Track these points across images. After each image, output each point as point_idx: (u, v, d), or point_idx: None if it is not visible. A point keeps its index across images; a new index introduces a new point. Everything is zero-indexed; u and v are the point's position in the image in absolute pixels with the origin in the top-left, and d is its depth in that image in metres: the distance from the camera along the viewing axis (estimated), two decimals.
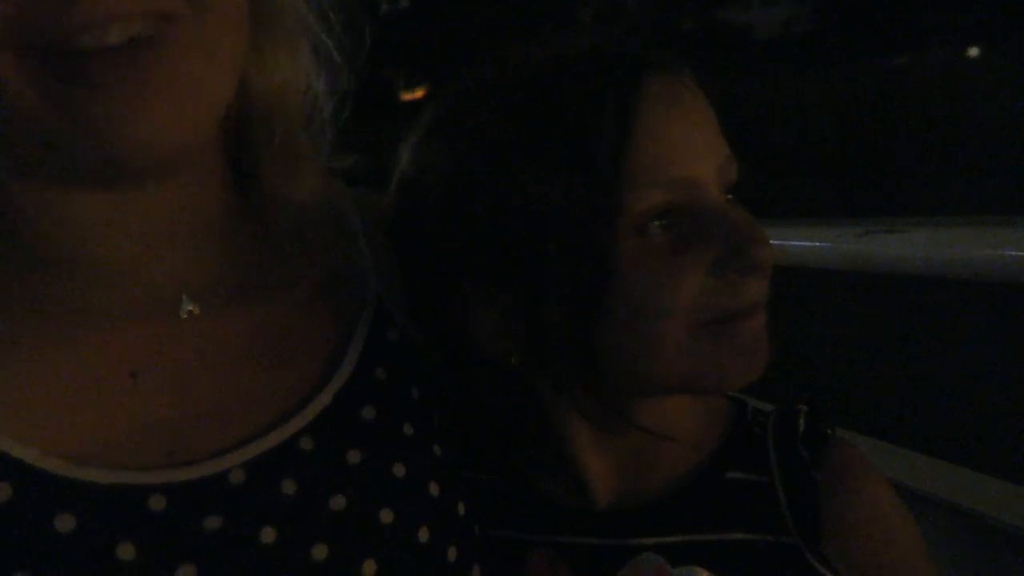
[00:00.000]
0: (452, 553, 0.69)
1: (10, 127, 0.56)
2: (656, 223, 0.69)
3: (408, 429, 0.72)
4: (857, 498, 0.77)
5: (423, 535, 0.67)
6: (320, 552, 0.63)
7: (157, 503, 0.60)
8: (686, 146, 0.70)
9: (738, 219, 0.70)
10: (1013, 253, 1.34)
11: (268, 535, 0.62)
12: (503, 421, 0.81)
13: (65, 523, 0.57)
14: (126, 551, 0.57)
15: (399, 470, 0.69)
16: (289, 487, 0.64)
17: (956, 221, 1.60)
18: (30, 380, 0.62)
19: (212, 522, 0.60)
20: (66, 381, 0.62)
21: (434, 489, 0.71)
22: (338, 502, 0.65)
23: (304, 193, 0.73)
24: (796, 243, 1.72)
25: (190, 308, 0.67)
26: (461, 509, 0.73)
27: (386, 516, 0.66)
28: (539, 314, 0.70)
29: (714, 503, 0.75)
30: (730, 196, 0.73)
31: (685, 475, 0.77)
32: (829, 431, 0.80)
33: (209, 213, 0.69)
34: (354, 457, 0.68)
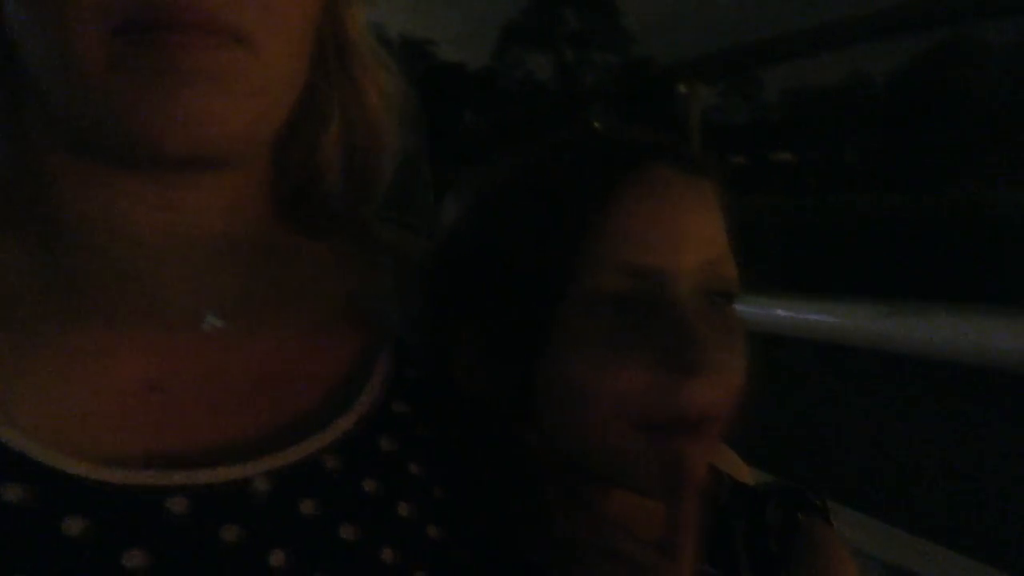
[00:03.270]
0: None
1: (79, 105, 0.57)
2: (609, 307, 0.64)
3: (415, 468, 0.67)
4: None
5: None
6: None
7: (176, 505, 0.56)
8: (659, 236, 0.65)
9: (690, 318, 0.63)
10: None
11: (277, 559, 0.57)
12: (495, 473, 0.75)
13: (73, 526, 0.53)
14: (135, 558, 0.53)
15: (403, 509, 0.64)
16: (307, 507, 0.60)
17: (981, 308, 1.50)
18: (54, 384, 0.58)
19: (229, 533, 0.56)
20: (90, 387, 0.59)
21: (433, 532, 0.66)
22: (348, 531, 0.61)
23: (369, 223, 0.74)
24: (820, 317, 1.64)
25: (215, 322, 0.64)
26: (459, 555, 0.68)
27: (387, 555, 0.62)
28: (492, 364, 0.68)
29: None
30: (719, 298, 0.67)
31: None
32: (802, 517, 0.74)
33: (245, 231, 0.67)
34: (370, 487, 0.63)
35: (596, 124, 0.79)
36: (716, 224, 0.68)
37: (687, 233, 0.66)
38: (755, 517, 0.75)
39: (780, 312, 1.71)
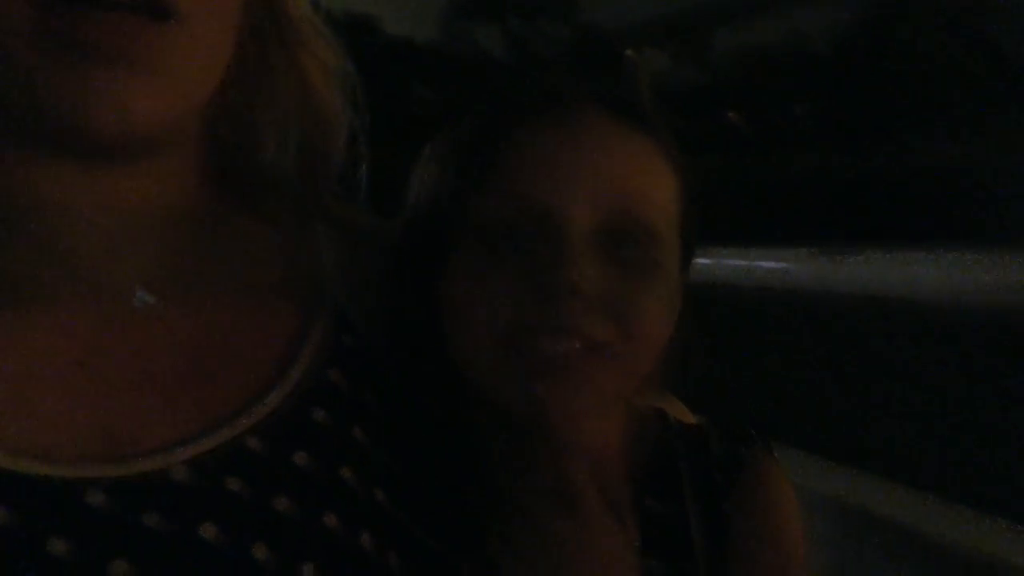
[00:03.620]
0: (394, 559, 0.65)
1: (2, 83, 0.55)
2: (499, 234, 0.67)
3: (358, 433, 0.68)
4: (763, 523, 0.74)
5: (366, 541, 0.63)
6: (260, 552, 0.58)
7: (95, 498, 0.56)
8: (555, 172, 0.67)
9: (564, 243, 0.65)
10: (960, 276, 1.30)
11: (208, 531, 0.58)
12: (443, 429, 0.76)
13: None
14: (58, 546, 0.53)
15: (346, 474, 0.65)
16: (234, 484, 0.60)
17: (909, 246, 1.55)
18: None
19: (151, 518, 0.56)
20: (11, 367, 0.58)
21: (379, 495, 0.66)
22: (282, 503, 0.61)
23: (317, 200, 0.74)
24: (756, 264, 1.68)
25: (146, 298, 0.63)
26: (407, 517, 0.68)
27: (330, 520, 0.62)
28: (406, 291, 0.72)
29: (631, 531, 0.71)
30: (627, 243, 0.68)
31: (608, 499, 0.73)
32: (745, 451, 0.76)
33: (176, 208, 0.67)
34: (301, 459, 0.64)
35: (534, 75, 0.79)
36: (632, 166, 0.69)
37: (585, 170, 0.67)
38: (699, 452, 0.77)
39: (732, 261, 1.76)
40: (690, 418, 0.97)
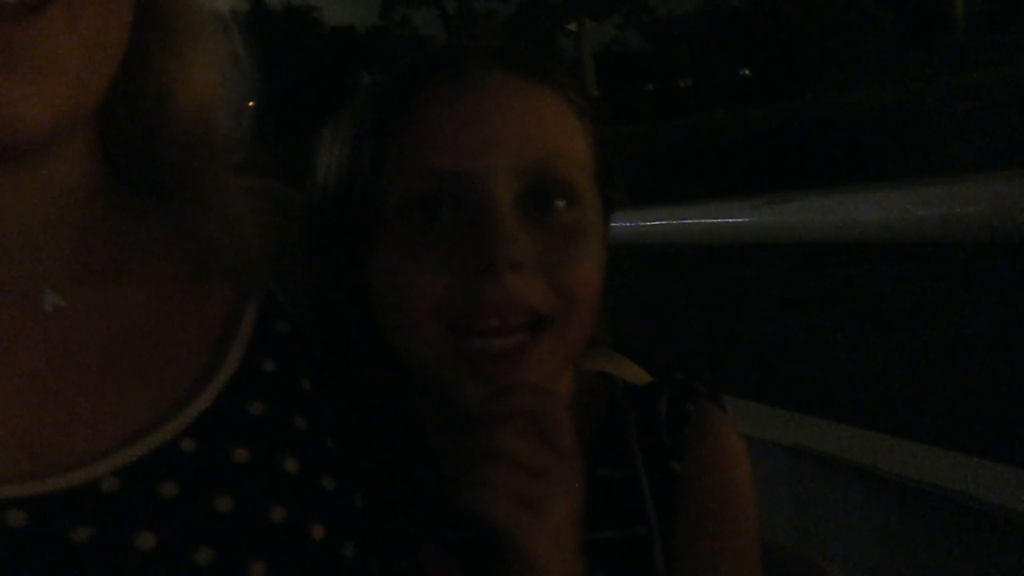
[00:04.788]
0: (349, 549, 0.61)
1: None
2: (419, 210, 0.62)
3: (300, 422, 0.63)
4: (712, 478, 0.70)
5: (317, 532, 0.59)
6: (204, 556, 0.54)
7: (16, 518, 0.50)
8: (465, 137, 0.61)
9: (491, 216, 0.60)
10: (906, 213, 1.27)
11: (146, 541, 0.53)
12: (383, 411, 0.73)
13: None
14: None
15: (291, 465, 0.60)
16: (169, 490, 0.55)
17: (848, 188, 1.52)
18: None
19: (80, 533, 0.51)
20: None
21: (328, 483, 0.62)
22: (224, 503, 0.56)
23: (218, 194, 0.67)
24: (695, 221, 1.64)
25: (55, 300, 0.58)
26: (358, 502, 0.64)
27: (277, 514, 0.58)
28: (332, 280, 0.67)
29: (586, 503, 0.64)
30: (552, 200, 0.63)
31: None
32: (692, 407, 0.72)
33: (77, 202, 0.61)
34: (241, 456, 0.59)
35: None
36: (546, 123, 0.64)
37: (499, 134, 0.62)
38: (646, 413, 0.73)
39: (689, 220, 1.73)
40: (644, 377, 0.93)
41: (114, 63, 0.58)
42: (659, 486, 0.70)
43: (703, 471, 0.70)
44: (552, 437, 0.58)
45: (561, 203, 0.63)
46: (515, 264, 0.59)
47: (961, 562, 1.25)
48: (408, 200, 0.62)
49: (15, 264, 0.58)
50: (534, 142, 0.63)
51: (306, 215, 0.71)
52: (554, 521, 0.57)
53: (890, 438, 1.47)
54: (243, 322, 0.66)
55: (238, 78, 0.70)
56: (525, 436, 0.58)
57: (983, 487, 1.24)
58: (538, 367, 0.62)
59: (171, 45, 0.65)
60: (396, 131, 0.62)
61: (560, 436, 0.59)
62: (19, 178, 0.57)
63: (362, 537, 0.64)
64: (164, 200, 0.67)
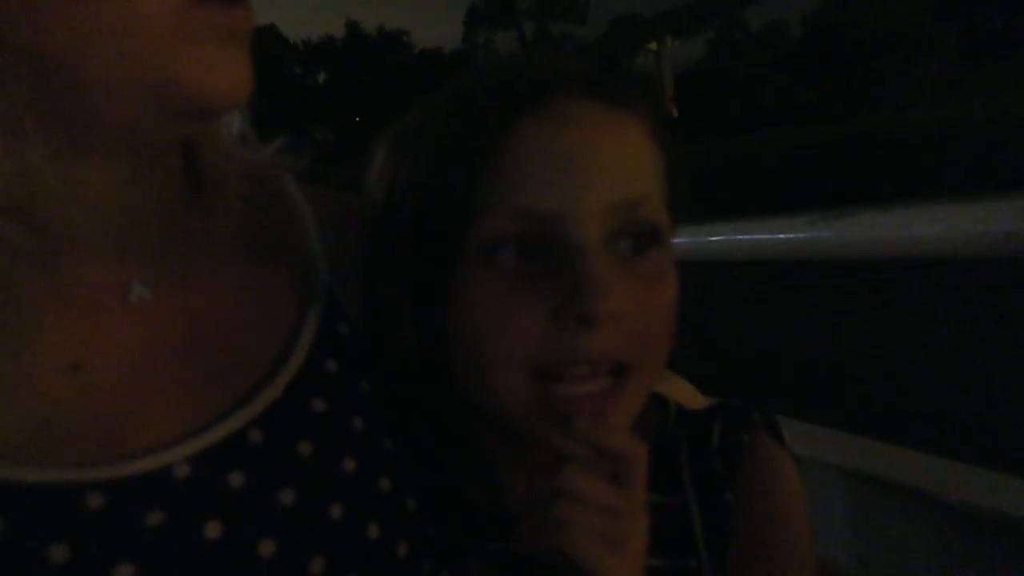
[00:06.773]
0: (403, 549, 0.60)
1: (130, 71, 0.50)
2: (508, 252, 0.57)
3: (359, 423, 0.62)
4: (765, 511, 0.65)
5: (373, 531, 0.58)
6: (268, 547, 0.53)
7: (94, 500, 0.51)
8: (557, 176, 0.56)
9: (588, 266, 0.55)
10: (965, 229, 1.20)
11: (213, 529, 0.52)
12: (439, 428, 0.69)
13: None
14: (59, 553, 0.49)
15: (349, 464, 0.59)
16: (236, 480, 0.55)
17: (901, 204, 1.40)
18: None
19: (154, 518, 0.51)
20: (4, 372, 0.52)
21: (385, 484, 0.61)
22: (287, 496, 0.56)
23: (239, 178, 0.65)
24: (747, 237, 1.53)
25: (142, 292, 0.57)
26: (412, 505, 0.63)
27: (336, 511, 0.57)
28: (407, 316, 0.61)
29: None
30: (637, 241, 0.58)
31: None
32: (747, 437, 0.67)
33: (165, 196, 0.60)
34: (305, 450, 0.58)
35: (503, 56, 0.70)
36: (634, 160, 0.60)
37: (591, 172, 0.57)
38: (700, 440, 0.69)
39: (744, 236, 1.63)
40: (699, 400, 0.88)
41: None
42: (710, 516, 0.66)
43: (756, 503, 0.66)
44: (629, 478, 0.56)
45: (647, 246, 0.59)
46: (613, 315, 0.55)
47: None
48: (497, 240, 0.56)
49: (110, 256, 0.58)
50: (623, 183, 0.58)
51: (367, 225, 0.67)
52: (633, 557, 0.56)
53: (950, 462, 1.39)
54: (307, 321, 0.64)
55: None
56: (600, 476, 0.56)
57: None
58: (622, 410, 0.59)
59: None
60: (484, 166, 0.57)
61: (637, 476, 0.56)
62: (121, 170, 0.56)
63: (415, 539, 0.63)
64: (230, 197, 0.66)
